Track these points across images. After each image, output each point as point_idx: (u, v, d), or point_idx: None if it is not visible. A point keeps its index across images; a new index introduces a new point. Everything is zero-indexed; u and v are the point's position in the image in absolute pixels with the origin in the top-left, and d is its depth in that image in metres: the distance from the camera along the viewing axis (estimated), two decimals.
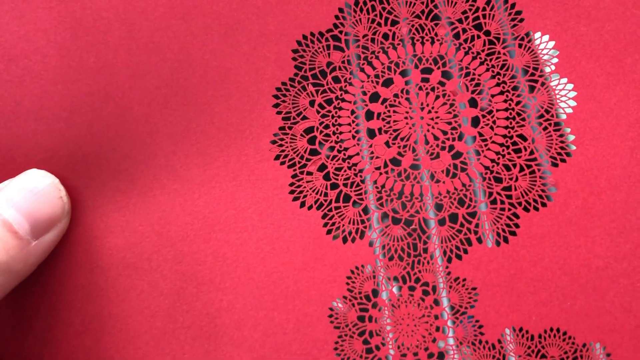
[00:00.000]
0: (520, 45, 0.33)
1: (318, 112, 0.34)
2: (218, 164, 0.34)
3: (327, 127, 0.34)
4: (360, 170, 0.33)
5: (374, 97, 0.34)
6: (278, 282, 0.33)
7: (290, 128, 0.34)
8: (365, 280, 0.33)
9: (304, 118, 0.34)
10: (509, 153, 0.33)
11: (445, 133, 0.33)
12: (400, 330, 0.32)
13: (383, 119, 0.33)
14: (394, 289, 0.32)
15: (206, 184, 0.34)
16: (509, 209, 0.33)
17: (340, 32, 0.34)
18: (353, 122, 0.34)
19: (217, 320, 0.33)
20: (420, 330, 0.32)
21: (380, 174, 0.33)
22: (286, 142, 0.34)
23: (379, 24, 0.33)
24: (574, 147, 0.32)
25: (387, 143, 0.33)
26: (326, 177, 0.34)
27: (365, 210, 0.33)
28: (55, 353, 0.34)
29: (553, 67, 0.33)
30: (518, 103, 0.33)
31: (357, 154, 0.34)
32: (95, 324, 0.34)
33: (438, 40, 0.33)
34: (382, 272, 0.33)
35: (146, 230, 0.34)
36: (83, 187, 0.35)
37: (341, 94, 0.34)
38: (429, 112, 0.33)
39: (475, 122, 0.33)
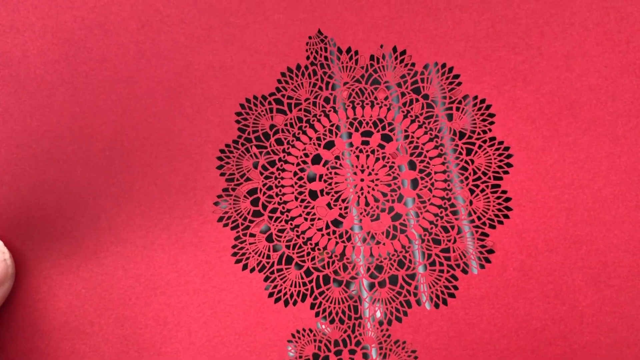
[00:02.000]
0: (457, 109, 0.34)
1: (261, 173, 0.35)
2: (161, 226, 0.34)
3: (270, 188, 0.34)
4: (303, 232, 0.34)
5: (316, 159, 0.35)
6: (219, 346, 0.33)
7: (233, 190, 0.34)
8: (307, 343, 0.33)
9: (248, 180, 0.34)
10: (447, 215, 0.34)
11: (385, 195, 0.34)
12: None
13: (325, 181, 0.34)
14: (334, 353, 0.33)
15: (149, 246, 0.34)
16: (448, 271, 0.33)
17: (283, 95, 0.34)
18: (296, 183, 0.34)
19: None
20: None
21: (322, 235, 0.34)
22: (229, 204, 0.34)
23: (320, 88, 0.34)
24: (511, 209, 0.33)
25: (329, 205, 0.34)
26: (269, 239, 0.34)
27: (307, 273, 0.34)
28: None
29: (490, 130, 0.34)
30: (456, 165, 0.34)
31: (300, 215, 0.34)
32: None
33: (377, 104, 0.34)
34: (323, 335, 0.33)
35: (89, 294, 0.35)
36: (27, 250, 0.35)
37: (284, 156, 0.35)
38: (369, 174, 0.34)
39: (414, 184, 0.34)
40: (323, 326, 0.33)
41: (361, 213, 0.34)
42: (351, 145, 0.34)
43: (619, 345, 0.32)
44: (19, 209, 0.34)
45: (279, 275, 0.34)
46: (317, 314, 0.33)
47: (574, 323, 0.32)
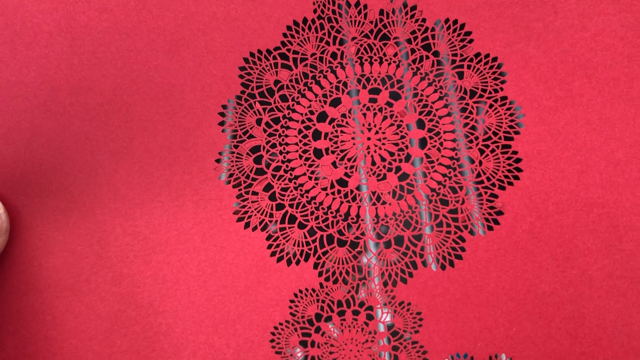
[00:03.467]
0: (469, 67, 0.33)
1: (265, 130, 0.34)
2: (161, 183, 0.33)
3: (273, 146, 0.34)
4: (307, 191, 0.33)
5: (322, 117, 0.34)
6: (219, 306, 0.32)
7: (236, 147, 0.34)
8: (309, 304, 0.32)
9: (251, 137, 0.34)
10: (455, 175, 0.33)
11: (392, 154, 0.33)
12: (343, 355, 0.32)
13: (330, 139, 0.33)
14: (338, 313, 0.32)
15: (148, 203, 0.33)
16: (455, 232, 0.32)
17: (288, 50, 0.33)
18: (300, 141, 0.34)
19: (156, 345, 0.32)
20: (364, 355, 0.32)
21: (327, 194, 0.33)
22: (232, 161, 0.33)
23: (327, 43, 0.33)
24: (521, 170, 0.33)
25: (334, 163, 0.33)
26: (272, 198, 0.33)
27: (311, 232, 0.33)
28: None
29: (502, 89, 0.33)
30: (465, 125, 0.33)
31: (304, 174, 0.33)
32: (30, 348, 0.33)
33: (386, 60, 0.33)
34: (326, 295, 0.32)
35: (85, 251, 0.34)
36: (22, 206, 0.34)
37: (288, 113, 0.34)
38: (376, 132, 0.33)
39: (422, 143, 0.33)
40: (326, 286, 0.33)
41: (367, 172, 0.33)
42: (358, 102, 0.33)
43: (629, 310, 0.32)
44: (14, 163, 0.34)
45: (281, 235, 0.33)
46: (320, 274, 0.33)
47: (584, 287, 0.32)
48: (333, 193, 0.34)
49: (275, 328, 0.33)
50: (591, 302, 0.32)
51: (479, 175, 0.33)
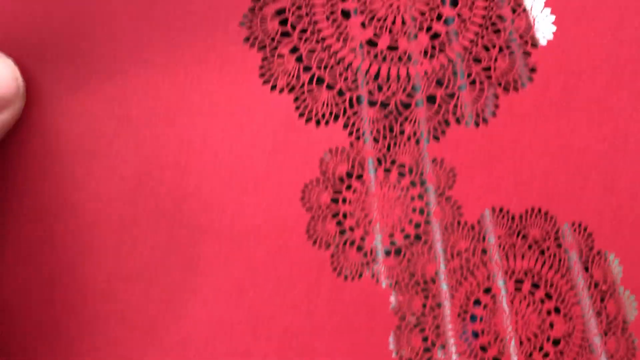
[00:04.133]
0: None
1: None
2: (183, 47, 0.32)
3: (299, 7, 0.33)
4: (335, 52, 0.32)
5: None
6: (247, 165, 0.32)
7: (260, 9, 0.32)
8: (340, 162, 0.31)
9: None
10: (488, 34, 0.32)
11: (423, 14, 0.32)
12: (375, 212, 0.31)
13: (358, 0, 0.32)
14: (370, 172, 0.31)
15: (171, 67, 0.32)
16: (489, 89, 0.32)
17: None
18: (327, 2, 0.33)
19: (183, 205, 0.31)
20: (396, 211, 0.31)
21: (356, 56, 0.32)
22: (256, 24, 0.32)
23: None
24: (554, 28, 0.32)
25: (362, 24, 0.32)
26: (298, 60, 0.32)
27: (340, 93, 0.32)
28: (1, 245, 0.32)
29: None
30: None
31: (332, 35, 0.32)
32: (49, 212, 0.32)
33: None
34: (356, 154, 0.32)
35: (106, 115, 0.33)
36: (39, 71, 0.33)
37: None
38: None
39: (454, 2, 0.32)
40: (357, 145, 0.32)
41: (397, 33, 0.32)
42: None
43: None
44: (30, 26, 0.32)
45: (309, 96, 0.32)
46: (350, 133, 0.32)
47: (618, 142, 0.31)
48: (362, 54, 0.33)
49: (306, 186, 0.32)
50: (627, 157, 0.32)
51: (511, 33, 0.32)
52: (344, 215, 0.32)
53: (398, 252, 0.32)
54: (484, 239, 0.32)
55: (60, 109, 0.34)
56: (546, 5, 0.33)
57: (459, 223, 0.32)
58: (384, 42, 0.33)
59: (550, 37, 0.33)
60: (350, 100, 0.33)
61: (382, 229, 0.32)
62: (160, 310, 0.31)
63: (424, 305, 0.31)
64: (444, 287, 0.31)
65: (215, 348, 0.31)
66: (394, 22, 0.33)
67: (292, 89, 0.33)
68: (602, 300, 0.32)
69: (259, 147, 0.33)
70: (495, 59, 0.33)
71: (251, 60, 0.33)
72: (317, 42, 0.34)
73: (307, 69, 0.33)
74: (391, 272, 0.31)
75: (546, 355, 0.31)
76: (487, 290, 0.32)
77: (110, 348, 0.31)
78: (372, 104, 0.33)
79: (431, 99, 0.33)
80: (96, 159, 0.33)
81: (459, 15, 0.33)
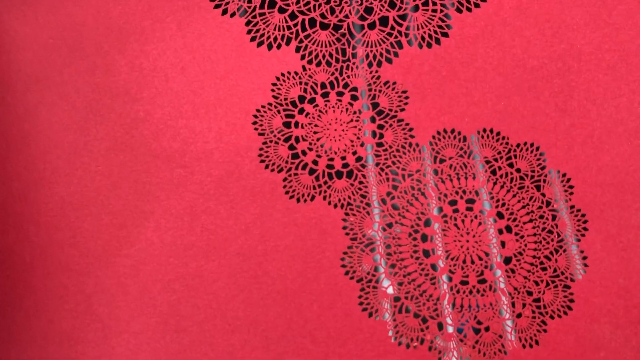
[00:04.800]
0: None
1: None
2: None
3: None
4: None
5: None
6: (199, 91, 0.31)
7: None
8: (292, 86, 0.31)
9: None
10: None
11: None
12: (327, 135, 0.31)
13: None
14: (321, 95, 0.31)
15: None
16: (441, 10, 0.31)
17: None
18: None
19: (134, 131, 0.31)
20: (348, 134, 0.31)
21: None
22: None
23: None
24: None
25: None
26: None
27: (292, 16, 0.32)
28: None
29: None
30: None
31: None
32: (0, 141, 0.32)
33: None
34: (309, 78, 0.31)
35: (57, 44, 0.32)
36: None
37: None
38: None
39: None
40: (309, 69, 0.31)
41: None
42: None
43: (617, 83, 0.31)
44: None
45: (261, 20, 0.32)
46: (302, 57, 0.31)
47: (572, 61, 0.31)
48: None
49: (258, 111, 0.32)
50: (580, 76, 0.31)
51: None
52: (297, 139, 0.32)
53: (350, 174, 0.32)
54: (435, 159, 0.32)
55: (9, 38, 0.33)
56: None
57: (410, 145, 0.32)
58: None
59: None
60: (303, 23, 0.33)
61: (334, 152, 0.32)
62: (113, 235, 0.31)
63: (375, 226, 0.31)
64: (396, 207, 0.31)
65: (168, 271, 0.31)
66: None
67: (243, 13, 0.33)
68: (553, 218, 0.32)
69: (211, 72, 0.32)
70: None
71: None
72: None
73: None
74: (343, 194, 0.31)
75: (497, 273, 0.32)
76: (439, 210, 0.32)
77: (64, 273, 0.31)
78: (324, 27, 0.33)
79: (383, 21, 0.33)
80: (48, 87, 0.33)
81: None
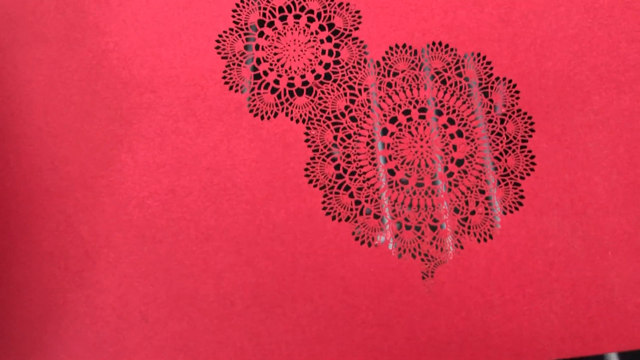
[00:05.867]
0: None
1: None
2: None
3: None
4: None
5: None
6: (163, 20, 0.33)
7: None
8: (251, 12, 0.33)
9: None
10: None
11: None
12: (287, 55, 0.33)
13: None
14: (280, 18, 0.33)
15: None
16: None
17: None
18: None
19: (104, 62, 0.33)
20: (307, 54, 0.33)
21: None
22: None
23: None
24: None
25: None
26: None
27: None
28: None
29: None
30: None
31: None
32: None
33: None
34: (267, 3, 0.33)
35: None
36: None
37: None
38: None
39: None
40: None
41: None
42: None
43: None
44: None
45: None
46: None
47: None
48: None
49: (220, 36, 0.34)
50: None
51: None
52: (258, 61, 0.34)
53: (310, 91, 0.34)
54: (388, 73, 0.34)
55: None
56: None
57: (365, 61, 0.34)
58: None
59: None
60: None
61: (294, 71, 0.34)
62: (89, 159, 0.33)
63: (335, 138, 0.34)
64: (353, 119, 0.33)
65: (143, 189, 0.33)
66: None
67: None
68: (501, 122, 0.34)
69: (174, 3, 0.34)
70: None
71: None
72: None
73: None
74: (304, 110, 0.34)
75: (450, 174, 0.34)
76: (393, 120, 0.34)
77: (45, 196, 0.33)
78: None
79: None
80: (20, 26, 0.35)
81: None
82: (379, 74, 0.34)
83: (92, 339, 0.32)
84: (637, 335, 0.32)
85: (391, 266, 0.32)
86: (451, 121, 0.34)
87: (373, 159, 0.33)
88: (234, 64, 0.34)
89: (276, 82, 0.34)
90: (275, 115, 0.34)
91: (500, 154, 0.33)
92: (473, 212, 0.33)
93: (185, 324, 0.32)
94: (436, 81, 0.34)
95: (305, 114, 0.34)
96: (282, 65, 0.34)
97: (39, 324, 0.33)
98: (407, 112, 0.34)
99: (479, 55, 0.34)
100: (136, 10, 0.34)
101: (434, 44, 0.34)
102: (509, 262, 0.32)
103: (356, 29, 0.34)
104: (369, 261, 0.32)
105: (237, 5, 0.34)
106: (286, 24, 0.34)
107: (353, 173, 0.33)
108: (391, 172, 0.33)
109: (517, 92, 0.34)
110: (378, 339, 0.32)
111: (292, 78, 0.34)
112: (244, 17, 0.34)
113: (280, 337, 0.32)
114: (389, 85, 0.34)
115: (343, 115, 0.34)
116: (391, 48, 0.34)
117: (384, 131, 0.33)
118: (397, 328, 0.32)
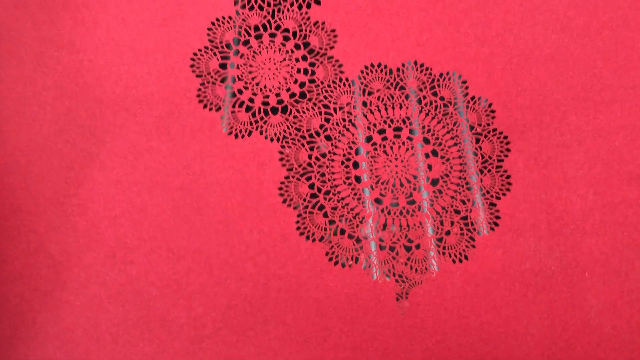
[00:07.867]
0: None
1: None
2: None
3: None
4: None
5: None
6: (138, 38, 0.33)
7: None
8: (226, 30, 0.33)
9: None
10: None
11: None
12: (262, 74, 0.33)
13: None
14: (255, 37, 0.33)
15: None
16: None
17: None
18: None
19: (79, 80, 0.33)
20: (282, 73, 0.33)
21: None
22: None
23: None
24: None
25: None
26: None
27: None
28: None
29: None
30: None
31: None
32: None
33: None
34: (242, 22, 0.33)
35: (3, 3, 0.34)
36: None
37: None
38: None
39: None
40: (242, 13, 0.33)
41: None
42: None
43: (532, 13, 0.33)
44: None
45: None
46: (235, 2, 0.33)
47: None
48: None
49: (195, 54, 0.33)
50: (497, 7, 0.33)
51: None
52: (233, 79, 0.34)
53: (285, 110, 0.33)
54: (364, 92, 0.34)
55: None
56: None
57: (340, 80, 0.34)
58: None
59: None
60: None
61: (269, 90, 0.34)
62: (62, 177, 0.33)
63: (310, 157, 0.33)
64: (328, 138, 0.33)
65: (115, 207, 0.33)
66: None
67: None
68: (477, 141, 0.34)
69: (149, 21, 0.34)
70: None
71: None
72: None
73: None
74: (279, 128, 0.33)
75: (425, 194, 0.33)
76: (369, 139, 0.34)
77: (16, 215, 0.33)
78: None
79: None
80: None
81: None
82: (354, 92, 0.33)
83: None
84: (614, 357, 0.32)
85: (365, 287, 0.32)
86: (426, 140, 0.33)
87: (348, 177, 0.33)
88: (208, 82, 0.34)
89: (251, 100, 0.34)
90: (250, 133, 0.33)
91: (476, 173, 0.33)
92: (448, 232, 0.32)
93: (155, 346, 0.31)
94: (411, 100, 0.33)
95: (280, 133, 0.33)
96: (257, 84, 0.34)
97: (8, 344, 0.32)
98: (382, 132, 0.33)
99: (454, 74, 0.34)
100: (111, 27, 0.34)
101: (409, 62, 0.34)
102: (485, 283, 0.32)
103: (332, 47, 0.34)
104: (342, 282, 0.32)
105: (213, 23, 0.34)
106: (262, 42, 0.34)
107: (328, 192, 0.33)
108: (365, 192, 0.33)
109: (492, 111, 0.33)
110: None
111: (267, 97, 0.34)
112: (219, 35, 0.34)
113: None
114: (364, 104, 0.33)
115: (318, 134, 0.33)
116: (366, 67, 0.34)
117: (358, 150, 0.33)
118: (371, 352, 0.31)
